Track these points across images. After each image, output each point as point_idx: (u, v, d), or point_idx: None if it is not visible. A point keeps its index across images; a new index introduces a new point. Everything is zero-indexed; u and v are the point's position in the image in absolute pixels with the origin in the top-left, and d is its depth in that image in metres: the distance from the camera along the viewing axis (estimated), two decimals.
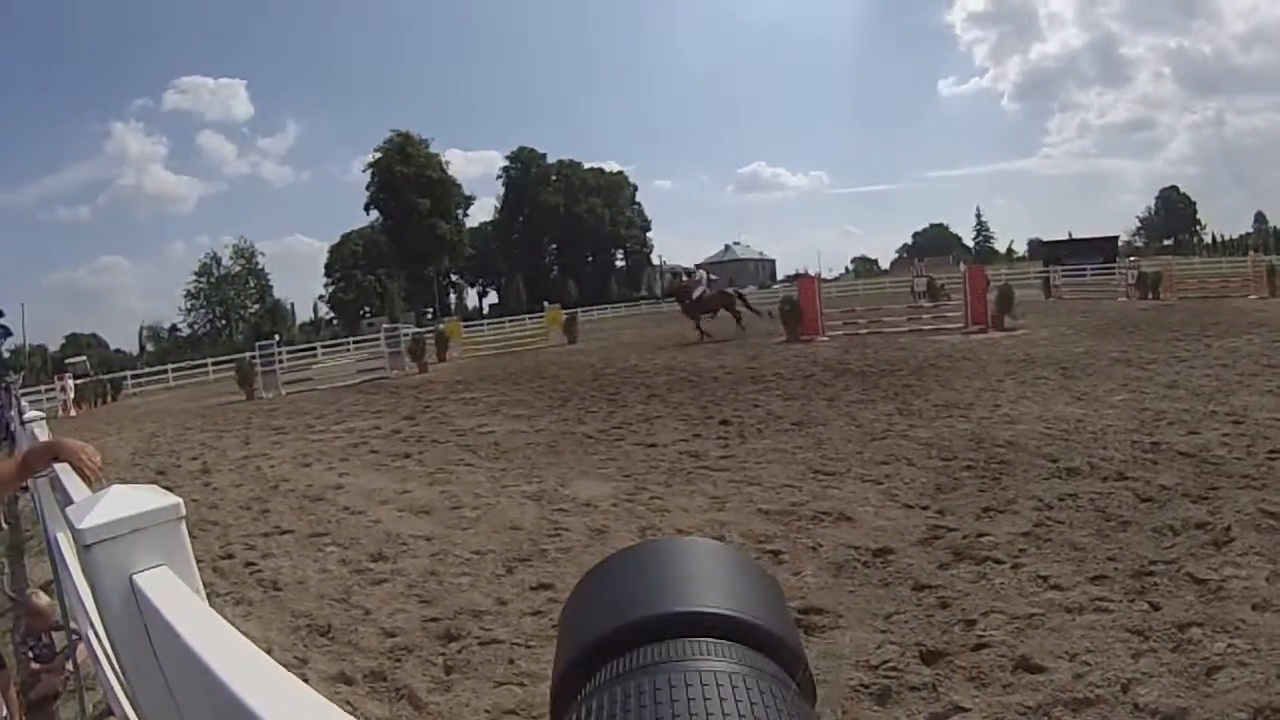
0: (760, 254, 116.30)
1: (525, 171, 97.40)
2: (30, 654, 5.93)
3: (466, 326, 44.53)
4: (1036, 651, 4.38)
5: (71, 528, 1.56)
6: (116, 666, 3.47)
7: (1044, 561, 5.56)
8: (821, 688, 4.21)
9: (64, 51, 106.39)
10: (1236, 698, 3.83)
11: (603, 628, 0.38)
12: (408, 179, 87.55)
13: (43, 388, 37.66)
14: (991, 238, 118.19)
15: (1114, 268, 41.39)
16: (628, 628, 0.38)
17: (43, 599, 6.24)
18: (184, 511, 1.62)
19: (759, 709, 0.32)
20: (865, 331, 25.07)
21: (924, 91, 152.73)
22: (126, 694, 3.47)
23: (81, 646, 5.32)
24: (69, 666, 5.61)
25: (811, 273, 57.54)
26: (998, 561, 5.65)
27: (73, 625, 5.25)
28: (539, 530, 7.87)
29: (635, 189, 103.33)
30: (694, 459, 10.14)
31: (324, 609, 6.44)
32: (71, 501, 2.08)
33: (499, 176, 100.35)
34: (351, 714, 0.85)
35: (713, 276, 32.00)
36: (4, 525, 10.60)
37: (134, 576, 1.51)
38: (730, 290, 31.74)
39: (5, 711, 2.82)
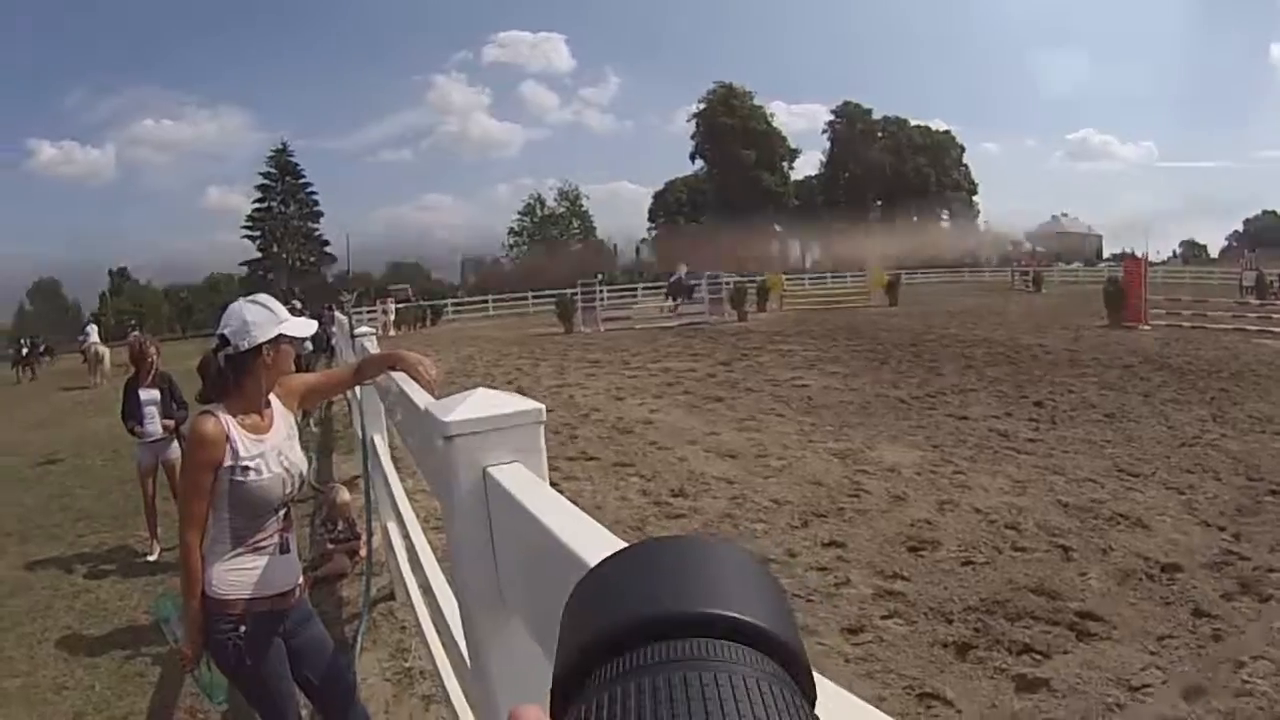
0: (1088, 228, 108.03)
1: (850, 126, 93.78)
2: (327, 537, 6.79)
3: (788, 279, 44.40)
4: None
5: (436, 421, 1.73)
6: (420, 553, 3.93)
7: None
8: (1076, 698, 4.28)
9: (381, 9, 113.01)
10: None
11: (607, 624, 0.38)
12: (732, 130, 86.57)
13: (364, 309, 40.11)
14: None
15: None
16: (632, 626, 0.37)
17: (344, 493, 7.08)
18: (544, 416, 1.78)
19: (759, 709, 0.32)
20: (1188, 324, 23.35)
21: (1256, 56, 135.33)
22: (416, 580, 3.90)
23: (376, 537, 6.02)
24: (362, 552, 6.33)
25: (1138, 254, 53.72)
26: None
27: (372, 517, 5.95)
28: (839, 489, 8.06)
29: (962, 150, 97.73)
30: (1002, 438, 10.04)
31: (617, 535, 6.87)
32: (418, 405, 2.32)
33: (824, 131, 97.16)
34: None
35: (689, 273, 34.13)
36: (314, 428, 11.62)
37: (488, 468, 1.66)
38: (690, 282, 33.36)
39: (302, 580, 3.34)
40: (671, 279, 33.80)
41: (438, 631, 3.27)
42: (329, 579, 6.45)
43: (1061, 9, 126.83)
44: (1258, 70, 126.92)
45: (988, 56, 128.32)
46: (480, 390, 1.85)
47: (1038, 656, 4.80)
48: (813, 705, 0.38)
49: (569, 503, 1.38)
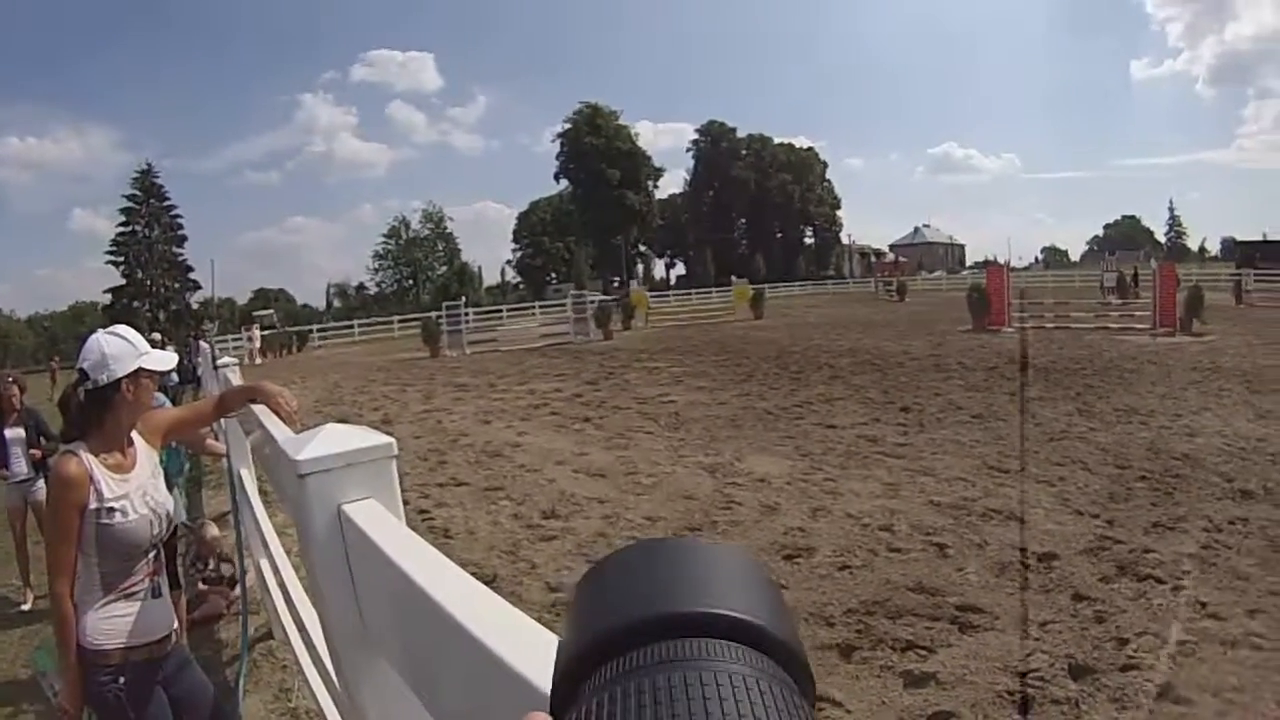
0: (950, 238, 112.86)
1: (715, 145, 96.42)
2: (198, 576, 6.47)
3: (653, 297, 44.91)
4: (1184, 681, 4.29)
5: (288, 459, 1.73)
6: (292, 591, 3.83)
7: (1205, 587, 5.43)
8: (966, 689, 4.31)
9: (248, 27, 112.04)
10: None
11: (606, 625, 0.38)
12: (597, 150, 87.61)
13: (229, 337, 39.30)
14: (1184, 234, 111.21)
15: None
16: (631, 626, 0.37)
17: (213, 529, 6.80)
18: (396, 451, 1.78)
19: (759, 709, 0.32)
20: (1051, 325, 24.39)
21: (1117, 73, 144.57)
22: (293, 618, 3.81)
23: (250, 574, 5.79)
24: (236, 592, 6.12)
25: (1000, 260, 55.90)
26: (1159, 581, 5.53)
27: (245, 554, 5.72)
28: (712, 502, 8.06)
29: (825, 166, 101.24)
30: (871, 444, 10.19)
31: (492, 560, 6.79)
32: (275, 439, 2.30)
33: (689, 149, 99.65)
34: None
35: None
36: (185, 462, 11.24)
37: (343, 506, 1.67)
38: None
39: (177, 625, 3.20)
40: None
41: (317, 670, 3.14)
42: (205, 621, 6.17)
43: (923, 29, 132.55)
44: (1117, 85, 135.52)
45: (851, 75, 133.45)
46: (330, 425, 1.85)
47: (922, 652, 4.82)
48: (812, 705, 0.37)
49: (423, 541, 1.39)
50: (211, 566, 6.53)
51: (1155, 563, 5.86)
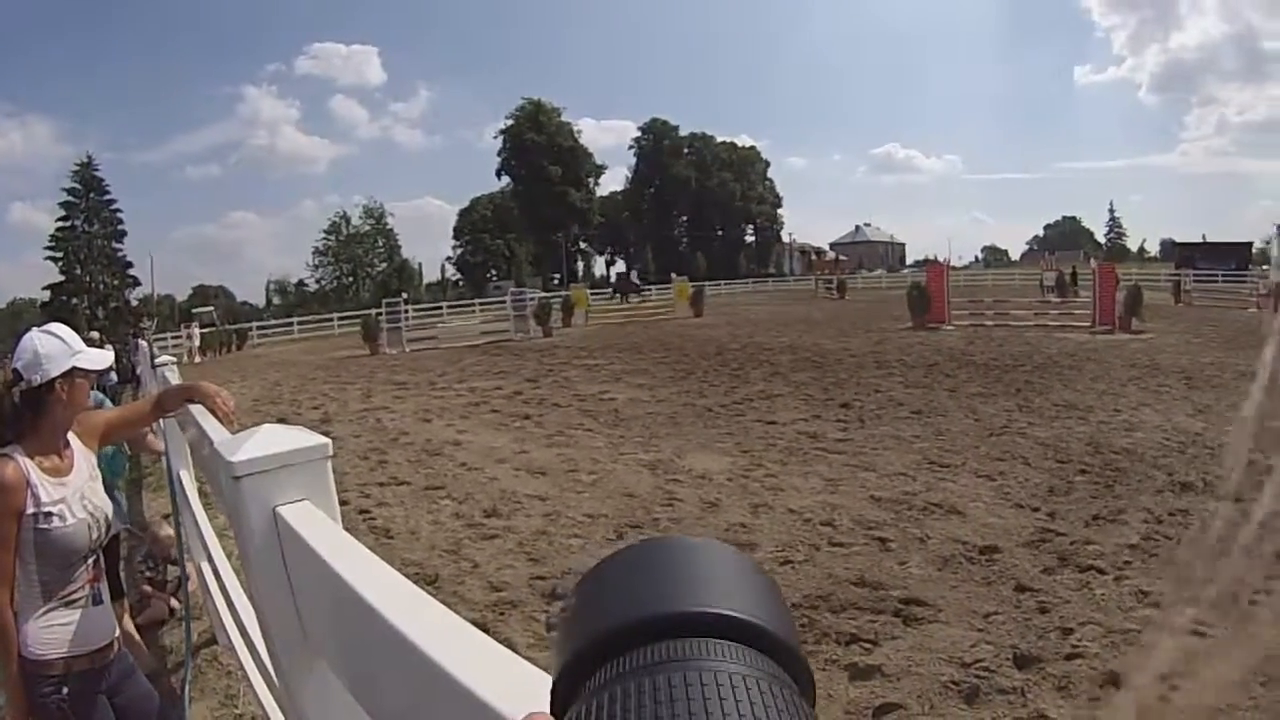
0: (891, 237, 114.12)
1: (657, 143, 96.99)
2: (145, 574, 6.29)
3: (593, 293, 44.90)
4: (1128, 668, 4.35)
5: (223, 461, 1.71)
6: (233, 594, 3.75)
7: (1147, 577, 5.50)
8: (912, 681, 4.32)
9: (194, 17, 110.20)
10: None
11: (606, 625, 0.38)
12: (539, 146, 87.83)
13: (168, 335, 38.63)
14: (1124, 235, 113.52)
15: (1246, 276, 39.65)
16: (631, 626, 0.38)
17: (167, 528, 6.56)
18: (331, 451, 1.77)
19: (759, 709, 0.32)
20: (991, 323, 24.76)
21: (1061, 78, 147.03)
22: (235, 622, 3.74)
23: (193, 578, 5.65)
24: (179, 596, 5.92)
25: (941, 259, 56.68)
26: (1101, 572, 5.60)
27: (186, 557, 5.58)
28: (653, 499, 8.04)
29: (767, 165, 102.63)
30: (811, 440, 10.23)
31: (433, 559, 6.70)
32: (211, 440, 2.27)
33: (631, 147, 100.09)
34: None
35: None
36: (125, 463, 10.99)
37: (278, 508, 1.66)
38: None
39: (119, 633, 3.12)
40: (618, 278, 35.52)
41: (262, 675, 3.08)
42: (149, 626, 5.98)
43: (867, 30, 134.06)
44: (1059, 89, 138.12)
45: (794, 75, 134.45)
46: (266, 426, 1.85)
47: (867, 645, 4.83)
48: (813, 705, 0.38)
49: (357, 543, 1.41)
50: (159, 568, 6.36)
51: (1097, 554, 5.94)
